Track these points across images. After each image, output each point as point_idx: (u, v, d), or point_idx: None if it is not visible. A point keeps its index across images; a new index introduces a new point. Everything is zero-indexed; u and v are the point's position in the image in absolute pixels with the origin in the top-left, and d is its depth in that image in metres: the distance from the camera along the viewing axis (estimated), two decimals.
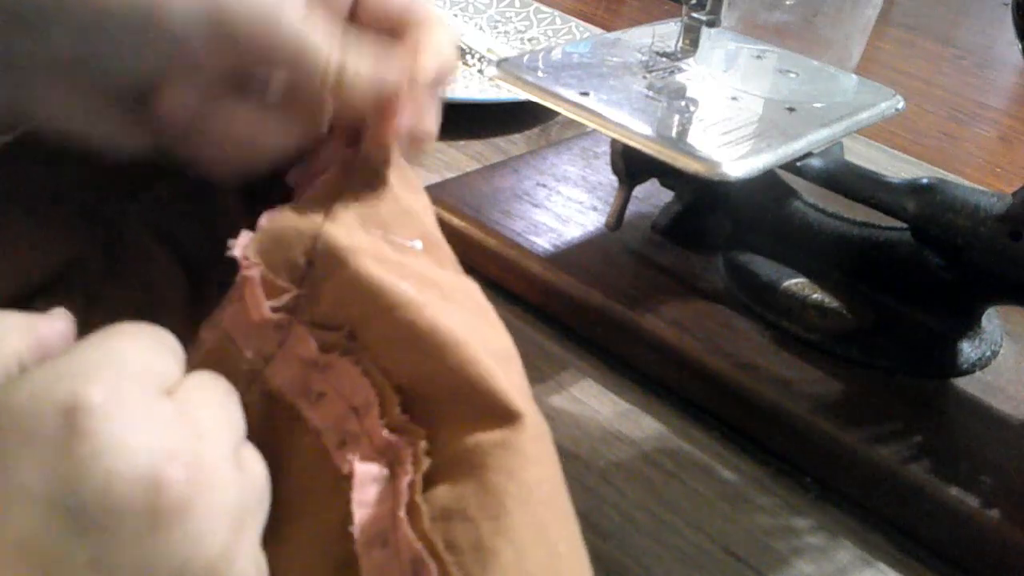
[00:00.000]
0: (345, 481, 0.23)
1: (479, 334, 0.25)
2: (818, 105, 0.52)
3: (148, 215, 0.32)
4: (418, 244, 0.28)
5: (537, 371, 0.48)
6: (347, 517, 0.23)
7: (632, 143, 0.46)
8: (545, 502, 0.24)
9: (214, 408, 0.24)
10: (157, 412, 0.21)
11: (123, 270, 0.31)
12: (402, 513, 0.22)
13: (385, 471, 0.24)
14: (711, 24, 0.54)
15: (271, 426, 0.25)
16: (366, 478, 0.23)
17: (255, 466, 0.24)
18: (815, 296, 0.49)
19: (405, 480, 0.23)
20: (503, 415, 0.24)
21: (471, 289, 0.28)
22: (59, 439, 0.20)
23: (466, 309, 0.26)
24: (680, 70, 0.55)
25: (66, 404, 0.20)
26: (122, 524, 0.19)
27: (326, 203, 0.27)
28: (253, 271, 0.25)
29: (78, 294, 0.29)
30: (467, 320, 0.26)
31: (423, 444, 0.24)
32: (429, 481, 0.23)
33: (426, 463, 0.23)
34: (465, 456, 0.23)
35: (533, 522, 0.23)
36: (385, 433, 0.24)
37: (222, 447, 0.23)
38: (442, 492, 0.23)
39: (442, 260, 0.29)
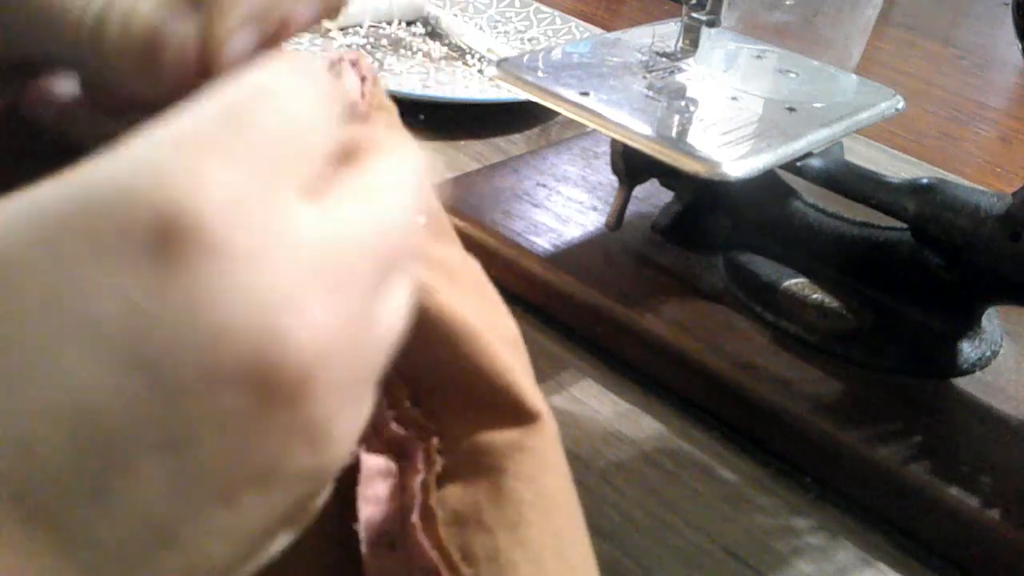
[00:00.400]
0: (348, 473, 0.21)
1: (490, 321, 0.24)
2: (818, 105, 0.52)
3: None
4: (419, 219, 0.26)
5: (537, 371, 0.48)
6: (345, 512, 0.21)
7: (632, 143, 0.46)
8: (561, 510, 0.23)
9: (387, 223, 0.17)
10: (294, 232, 0.15)
11: None
12: (415, 518, 0.21)
13: (393, 466, 0.22)
14: (711, 24, 0.54)
15: None
16: (372, 472, 0.22)
17: (394, 316, 0.18)
18: (815, 296, 0.49)
19: (417, 479, 0.22)
20: (521, 414, 0.23)
21: (475, 269, 0.26)
22: (147, 268, 0.14)
23: (475, 292, 0.25)
24: (680, 70, 0.55)
25: (162, 213, 0.14)
26: (219, 398, 0.15)
27: None
28: None
29: None
30: (478, 305, 0.24)
31: (435, 441, 0.22)
32: (440, 479, 0.22)
33: (439, 462, 0.22)
34: (480, 456, 0.22)
35: (550, 532, 0.22)
36: (394, 426, 0.22)
37: (369, 290, 0.17)
38: (454, 494, 0.22)
39: (444, 235, 0.26)
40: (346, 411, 0.17)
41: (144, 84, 0.20)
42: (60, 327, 0.14)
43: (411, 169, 0.19)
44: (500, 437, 0.22)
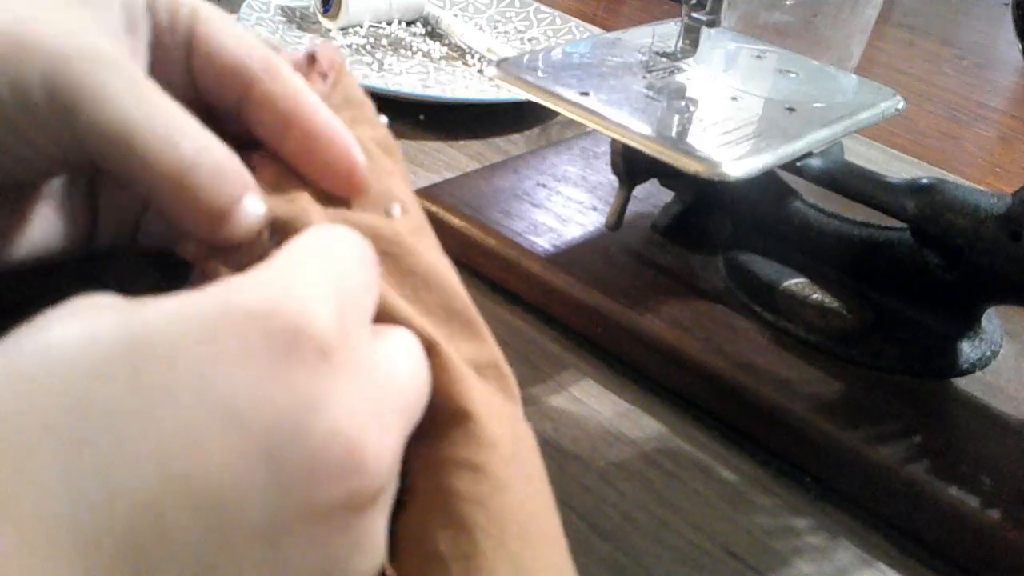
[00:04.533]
0: None
1: (451, 335, 0.24)
2: (818, 105, 0.52)
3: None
4: (396, 209, 0.25)
5: (537, 371, 0.48)
6: None
7: (632, 143, 0.46)
8: (522, 536, 0.22)
9: (411, 369, 0.20)
10: (368, 358, 0.18)
11: None
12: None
13: None
14: (711, 24, 0.54)
15: None
16: None
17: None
18: (815, 296, 0.49)
19: None
20: (468, 427, 0.22)
21: (446, 277, 0.25)
22: (282, 366, 0.16)
23: (436, 302, 0.25)
24: (680, 70, 0.55)
25: (296, 323, 0.17)
26: (320, 496, 0.16)
27: (280, 184, 0.24)
28: (211, 264, 0.22)
29: None
30: (438, 314, 0.24)
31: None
32: (397, 500, 0.21)
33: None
34: (427, 472, 0.21)
35: (509, 562, 0.21)
36: None
37: (408, 427, 0.20)
38: (405, 516, 0.21)
39: (418, 231, 0.26)
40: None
41: (204, 233, 0.22)
42: (208, 411, 0.16)
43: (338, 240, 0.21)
44: (452, 454, 0.22)
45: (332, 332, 0.17)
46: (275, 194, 0.23)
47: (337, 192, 0.24)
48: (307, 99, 0.24)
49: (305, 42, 0.79)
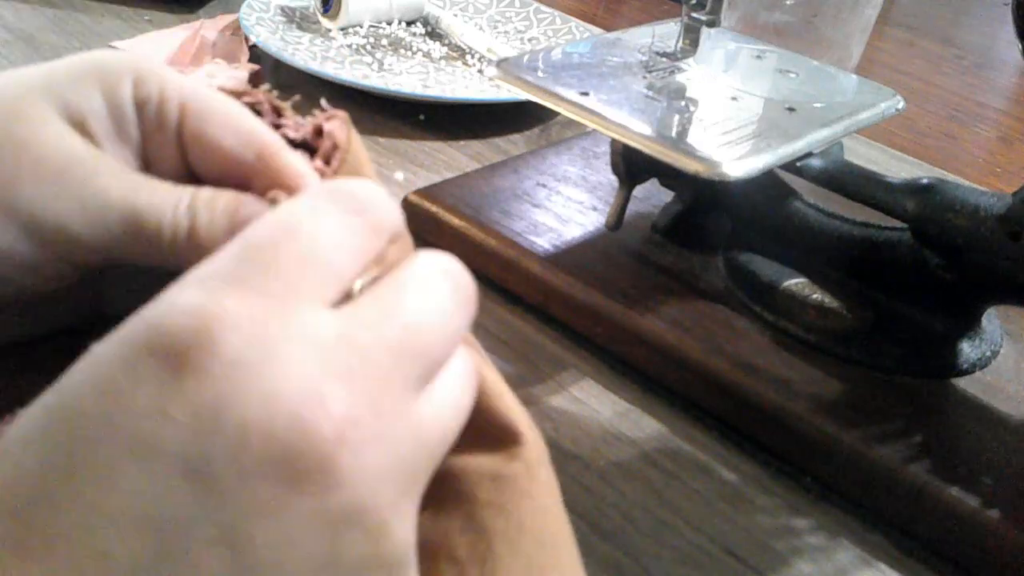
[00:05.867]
0: None
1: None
2: (818, 105, 0.52)
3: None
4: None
5: (537, 371, 0.48)
6: None
7: (632, 143, 0.46)
8: (538, 541, 0.22)
9: (410, 317, 0.19)
10: (310, 335, 0.18)
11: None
12: None
13: None
14: (711, 24, 0.54)
15: None
16: None
17: (440, 409, 0.20)
18: (815, 296, 0.49)
19: None
20: (504, 437, 0.22)
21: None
22: (170, 383, 0.16)
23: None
24: (680, 70, 0.55)
25: (174, 337, 0.17)
26: (256, 491, 0.16)
27: None
28: None
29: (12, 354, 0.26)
30: None
31: None
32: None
33: None
34: (453, 483, 0.21)
35: (522, 566, 0.21)
36: None
37: (400, 382, 0.18)
38: (425, 523, 0.21)
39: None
40: (401, 502, 0.18)
41: None
42: (121, 447, 0.16)
43: (441, 272, 0.21)
44: (476, 463, 0.22)
45: (228, 332, 0.17)
46: None
47: None
48: (307, 183, 0.24)
49: (305, 43, 0.79)
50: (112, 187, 0.22)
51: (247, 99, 0.26)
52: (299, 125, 0.26)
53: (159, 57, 0.75)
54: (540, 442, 0.24)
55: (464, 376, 0.21)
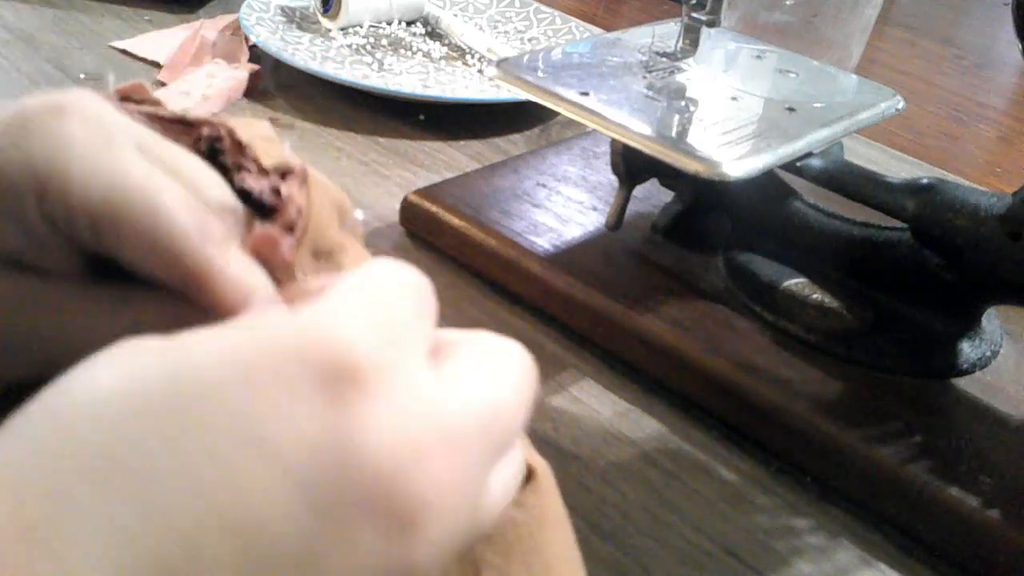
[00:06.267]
0: None
1: None
2: (818, 105, 0.52)
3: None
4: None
5: (537, 371, 0.48)
6: None
7: (632, 143, 0.46)
8: (544, 563, 0.23)
9: (484, 390, 0.20)
10: (421, 390, 0.18)
11: None
12: None
13: None
14: (711, 24, 0.54)
15: None
16: None
17: (501, 488, 0.21)
18: (815, 296, 0.49)
19: None
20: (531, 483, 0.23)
21: None
22: (319, 401, 0.17)
23: None
24: (680, 70, 0.55)
25: (333, 358, 0.17)
26: (353, 529, 0.17)
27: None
28: None
29: None
30: None
31: None
32: None
33: None
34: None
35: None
36: None
37: (482, 462, 0.19)
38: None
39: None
40: (440, 563, 0.18)
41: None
42: (246, 447, 0.16)
43: (519, 360, 0.22)
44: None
45: (371, 362, 0.17)
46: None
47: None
48: (250, 304, 0.22)
49: (305, 43, 0.79)
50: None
51: (207, 131, 0.24)
52: (260, 172, 0.24)
53: (159, 57, 0.75)
54: (549, 474, 0.24)
55: (518, 463, 0.22)
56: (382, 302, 0.19)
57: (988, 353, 0.48)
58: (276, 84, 0.75)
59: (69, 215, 0.21)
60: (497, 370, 0.20)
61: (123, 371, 0.17)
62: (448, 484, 0.18)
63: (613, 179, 0.53)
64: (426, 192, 0.57)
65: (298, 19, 0.84)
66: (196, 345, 0.17)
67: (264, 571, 0.16)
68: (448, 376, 0.19)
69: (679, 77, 0.54)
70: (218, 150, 0.24)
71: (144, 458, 0.16)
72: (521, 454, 0.22)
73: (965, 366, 0.47)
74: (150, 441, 0.16)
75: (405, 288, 0.20)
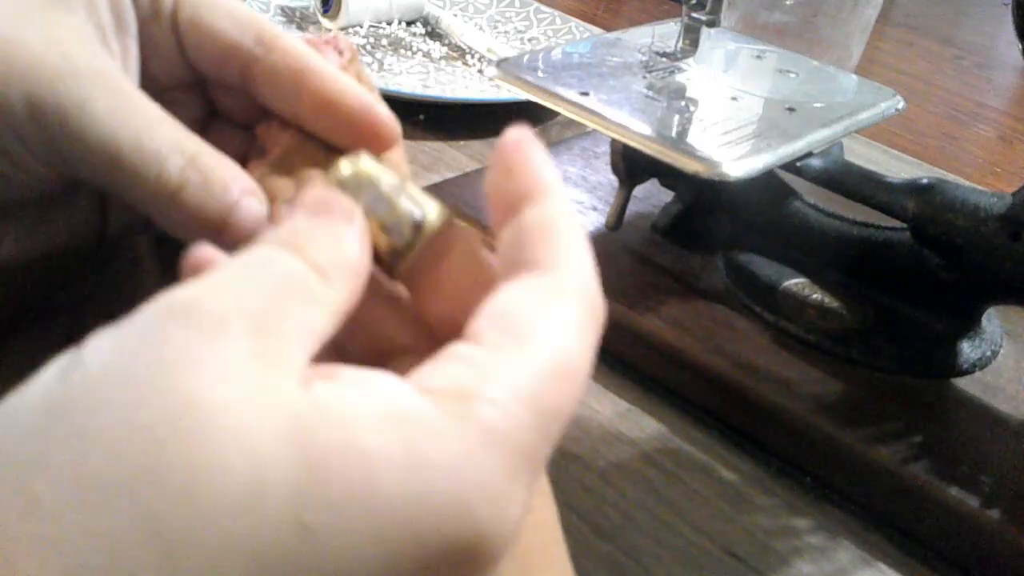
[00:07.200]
0: None
1: None
2: (818, 105, 0.52)
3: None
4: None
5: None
6: None
7: (632, 143, 0.46)
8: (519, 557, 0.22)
9: (563, 412, 0.18)
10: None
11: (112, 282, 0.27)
12: None
13: None
14: (711, 24, 0.54)
15: None
16: None
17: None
18: (815, 296, 0.49)
19: None
20: None
21: None
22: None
23: None
24: (680, 70, 0.55)
25: (470, 543, 0.15)
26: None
27: (290, 161, 0.24)
28: None
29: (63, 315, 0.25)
30: None
31: None
32: None
33: None
34: None
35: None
36: None
37: (532, 479, 0.17)
38: None
39: None
40: None
41: (208, 239, 0.20)
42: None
43: (586, 309, 0.20)
44: None
45: (505, 537, 0.16)
46: (284, 175, 0.23)
47: (364, 147, 0.23)
48: (313, 62, 0.23)
49: (309, 35, 0.79)
50: (106, 117, 0.20)
51: None
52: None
53: None
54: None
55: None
56: (552, 435, 0.17)
57: (988, 353, 0.48)
58: None
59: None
60: (578, 379, 0.18)
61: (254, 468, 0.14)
62: (515, 519, 0.16)
63: (613, 179, 0.53)
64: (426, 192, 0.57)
65: (298, 19, 0.84)
66: (340, 483, 0.15)
67: None
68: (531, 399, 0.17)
69: (679, 77, 0.54)
70: None
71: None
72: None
73: (965, 366, 0.47)
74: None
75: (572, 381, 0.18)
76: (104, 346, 0.15)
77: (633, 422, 0.46)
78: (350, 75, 0.25)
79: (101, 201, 0.25)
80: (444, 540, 0.15)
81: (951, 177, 0.66)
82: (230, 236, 0.21)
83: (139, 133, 0.20)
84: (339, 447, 0.15)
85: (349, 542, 0.14)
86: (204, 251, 0.18)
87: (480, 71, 0.81)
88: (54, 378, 0.15)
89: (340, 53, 0.25)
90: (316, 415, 0.15)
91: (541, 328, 0.18)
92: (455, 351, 0.17)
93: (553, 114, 0.62)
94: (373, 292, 0.21)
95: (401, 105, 0.74)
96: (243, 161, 0.23)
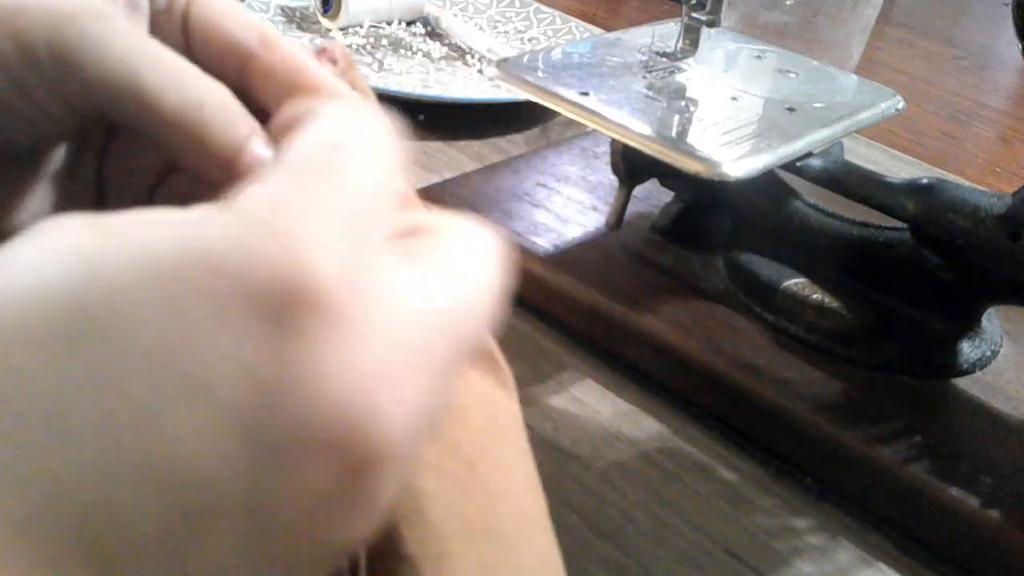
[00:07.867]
0: None
1: None
2: (818, 105, 0.52)
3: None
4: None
5: (537, 371, 0.48)
6: None
7: (632, 143, 0.46)
8: (488, 533, 0.22)
9: (457, 287, 0.17)
10: (397, 300, 0.15)
11: None
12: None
13: None
14: (711, 24, 0.54)
15: None
16: None
17: (448, 395, 0.18)
18: (815, 296, 0.49)
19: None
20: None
21: None
22: (269, 336, 0.14)
23: None
24: (680, 70, 0.55)
25: (287, 280, 0.14)
26: (304, 472, 0.14)
27: None
28: None
29: None
30: None
31: None
32: None
33: None
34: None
35: (477, 559, 0.21)
36: None
37: (450, 364, 0.16)
38: None
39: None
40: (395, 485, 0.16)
41: (222, 178, 0.20)
42: (168, 386, 0.13)
43: (492, 249, 0.19)
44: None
45: (339, 286, 0.14)
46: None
47: None
48: (309, 64, 0.23)
49: (305, 43, 0.79)
50: (128, 47, 0.20)
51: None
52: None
53: None
54: (503, 418, 0.24)
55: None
56: (353, 186, 0.16)
57: (988, 353, 0.48)
58: None
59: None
60: (470, 261, 0.18)
61: (36, 267, 0.13)
62: (413, 411, 0.15)
63: (613, 179, 0.53)
64: (426, 192, 0.57)
65: (298, 19, 0.84)
66: (119, 249, 0.14)
67: (201, 519, 0.14)
68: (417, 276, 0.16)
69: (679, 77, 0.54)
70: None
71: (37, 396, 0.13)
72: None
73: (965, 366, 0.47)
74: (45, 372, 0.13)
75: (376, 147, 0.17)
76: None
77: (633, 422, 0.46)
78: (344, 82, 0.26)
79: (99, 180, 0.25)
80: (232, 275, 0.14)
81: (951, 177, 0.66)
82: (237, 176, 0.21)
83: (159, 61, 0.21)
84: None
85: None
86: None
87: (480, 71, 0.81)
88: None
89: (334, 62, 0.26)
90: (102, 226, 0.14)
91: (296, 141, 0.17)
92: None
93: (553, 114, 0.62)
94: None
95: (401, 105, 0.74)
96: None
